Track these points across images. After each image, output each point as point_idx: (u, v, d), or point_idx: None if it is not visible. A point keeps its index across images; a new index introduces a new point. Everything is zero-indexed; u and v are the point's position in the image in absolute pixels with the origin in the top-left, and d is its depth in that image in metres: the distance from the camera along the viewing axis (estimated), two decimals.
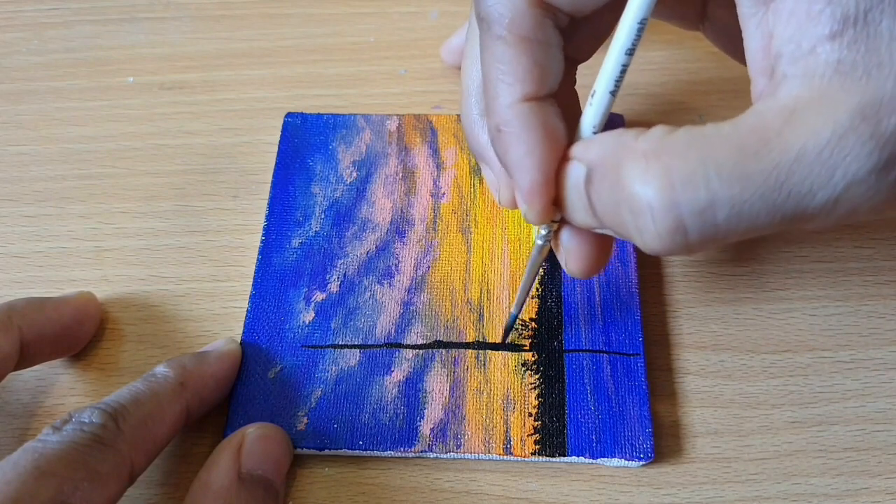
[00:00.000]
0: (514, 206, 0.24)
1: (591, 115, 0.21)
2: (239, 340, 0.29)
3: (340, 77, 0.37)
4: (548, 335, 0.28)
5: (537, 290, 0.29)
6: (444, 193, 0.32)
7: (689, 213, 0.18)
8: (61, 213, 0.33)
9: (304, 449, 0.26)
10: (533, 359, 0.28)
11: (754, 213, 0.18)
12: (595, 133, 0.21)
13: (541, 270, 0.27)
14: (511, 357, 0.28)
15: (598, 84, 0.21)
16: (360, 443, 0.26)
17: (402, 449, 0.26)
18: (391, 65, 0.38)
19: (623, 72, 0.20)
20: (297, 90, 0.37)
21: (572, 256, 0.24)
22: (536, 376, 0.27)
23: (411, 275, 0.30)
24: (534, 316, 0.29)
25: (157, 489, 0.26)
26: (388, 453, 0.26)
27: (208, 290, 0.31)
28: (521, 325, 0.29)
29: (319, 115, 0.35)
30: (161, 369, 0.26)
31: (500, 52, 0.21)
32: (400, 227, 0.31)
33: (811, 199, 0.17)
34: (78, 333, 0.29)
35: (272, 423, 0.26)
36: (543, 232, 0.24)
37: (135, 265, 0.32)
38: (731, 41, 0.26)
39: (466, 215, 0.32)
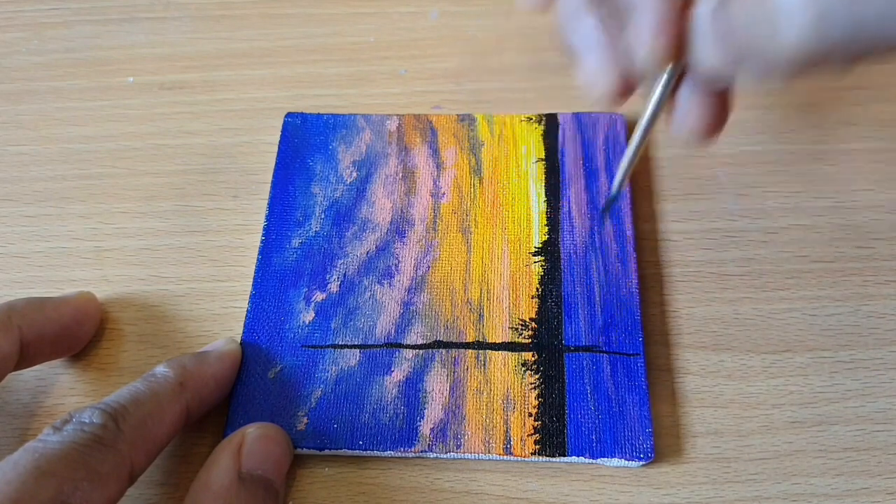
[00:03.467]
0: (618, 91, 0.23)
1: None
2: (239, 340, 0.29)
3: (340, 77, 0.37)
4: (548, 335, 0.28)
5: (537, 289, 0.29)
6: (444, 193, 0.32)
7: (836, 9, 0.17)
8: (61, 213, 0.33)
9: (304, 449, 0.26)
10: (533, 359, 0.28)
11: None
12: None
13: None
14: (511, 357, 0.28)
15: None
16: (360, 443, 0.26)
17: (402, 449, 0.26)
18: (391, 65, 0.38)
19: None
20: (297, 90, 0.37)
21: (692, 112, 0.23)
22: (536, 376, 0.27)
23: (411, 275, 0.30)
24: (534, 316, 0.29)
25: (157, 489, 0.26)
26: (388, 453, 0.26)
27: (208, 290, 0.31)
28: (521, 325, 0.29)
29: (319, 115, 0.35)
30: (161, 369, 0.26)
31: None
32: (400, 227, 0.31)
33: None
34: (78, 333, 0.29)
35: (272, 422, 0.26)
36: (665, 78, 0.23)
37: (135, 265, 0.32)
38: None
39: (466, 215, 0.32)
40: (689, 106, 0.23)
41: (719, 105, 0.23)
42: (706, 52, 0.21)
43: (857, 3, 0.17)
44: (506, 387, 0.27)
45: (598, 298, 0.29)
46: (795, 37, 0.18)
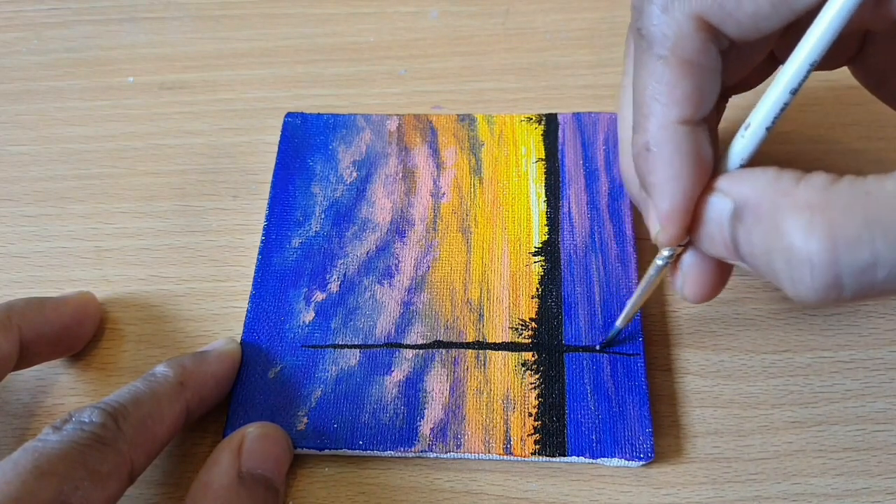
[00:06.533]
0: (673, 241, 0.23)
1: (741, 147, 0.21)
2: (239, 340, 0.29)
3: (340, 77, 0.37)
4: (548, 335, 0.28)
5: (537, 289, 0.29)
6: (444, 193, 0.32)
7: (849, 272, 0.18)
8: (61, 213, 0.33)
9: (304, 449, 0.26)
10: (533, 359, 0.28)
11: None
12: (741, 167, 0.21)
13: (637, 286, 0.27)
14: (511, 357, 0.28)
15: (753, 118, 0.20)
16: (360, 443, 0.26)
17: (402, 449, 0.26)
18: (391, 65, 0.38)
19: (783, 110, 0.20)
20: (297, 90, 0.37)
21: (690, 281, 0.24)
22: (536, 376, 0.27)
23: (411, 275, 0.30)
24: (534, 316, 0.29)
25: (157, 489, 0.26)
26: (388, 453, 0.26)
27: (208, 290, 0.31)
28: (521, 325, 0.29)
29: (319, 115, 0.35)
30: (161, 369, 0.26)
31: (659, 73, 0.21)
32: (400, 227, 0.31)
33: None
34: (78, 333, 0.29)
35: (272, 422, 0.26)
36: (666, 253, 0.24)
37: (135, 265, 0.32)
38: (884, 81, 0.26)
39: (466, 215, 0.32)
40: (689, 273, 0.24)
41: (719, 274, 0.24)
42: (713, 247, 0.21)
43: (868, 271, 0.18)
44: (506, 387, 0.27)
45: (598, 298, 0.29)
46: (812, 291, 0.19)
